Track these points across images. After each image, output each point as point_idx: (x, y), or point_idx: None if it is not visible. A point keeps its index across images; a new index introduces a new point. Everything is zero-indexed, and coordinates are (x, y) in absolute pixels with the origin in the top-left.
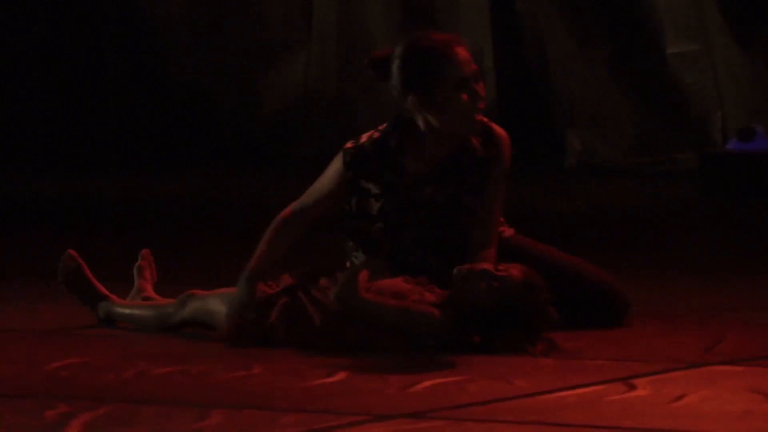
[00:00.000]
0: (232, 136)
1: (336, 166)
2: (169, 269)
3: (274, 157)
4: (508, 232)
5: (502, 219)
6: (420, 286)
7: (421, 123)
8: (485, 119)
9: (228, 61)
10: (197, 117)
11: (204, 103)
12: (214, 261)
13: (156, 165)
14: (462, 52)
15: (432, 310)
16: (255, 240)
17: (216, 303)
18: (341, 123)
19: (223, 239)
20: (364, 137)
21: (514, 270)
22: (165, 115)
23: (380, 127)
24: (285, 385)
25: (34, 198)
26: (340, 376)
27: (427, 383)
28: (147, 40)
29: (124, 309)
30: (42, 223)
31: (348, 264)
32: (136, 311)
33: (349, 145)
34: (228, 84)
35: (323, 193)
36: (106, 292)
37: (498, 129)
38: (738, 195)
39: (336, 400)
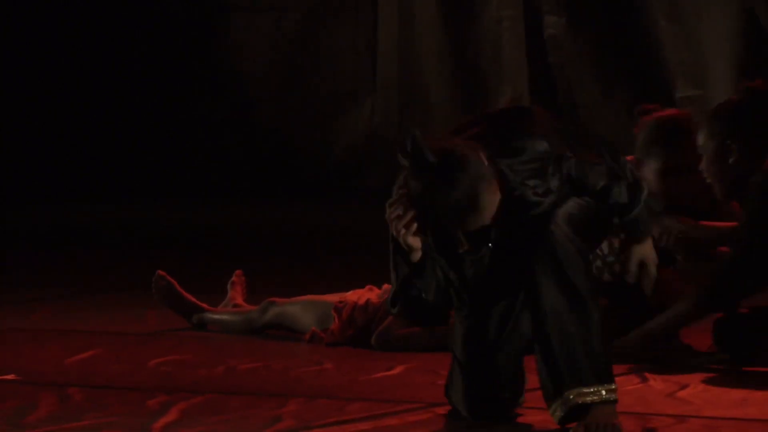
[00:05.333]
0: (309, 170)
1: None
2: (256, 282)
3: (345, 188)
4: None
5: None
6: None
7: None
8: None
9: (306, 108)
10: (280, 155)
11: (286, 143)
12: (293, 274)
13: (245, 196)
14: None
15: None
16: (329, 257)
17: (293, 308)
18: None
19: (302, 256)
20: None
21: None
22: (253, 155)
23: None
24: (351, 379)
25: (142, 222)
26: (398, 370)
27: None
28: (238, 92)
29: (214, 315)
30: (150, 243)
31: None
32: (225, 317)
33: None
34: (306, 127)
35: None
36: (197, 302)
37: None
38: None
39: (395, 391)
